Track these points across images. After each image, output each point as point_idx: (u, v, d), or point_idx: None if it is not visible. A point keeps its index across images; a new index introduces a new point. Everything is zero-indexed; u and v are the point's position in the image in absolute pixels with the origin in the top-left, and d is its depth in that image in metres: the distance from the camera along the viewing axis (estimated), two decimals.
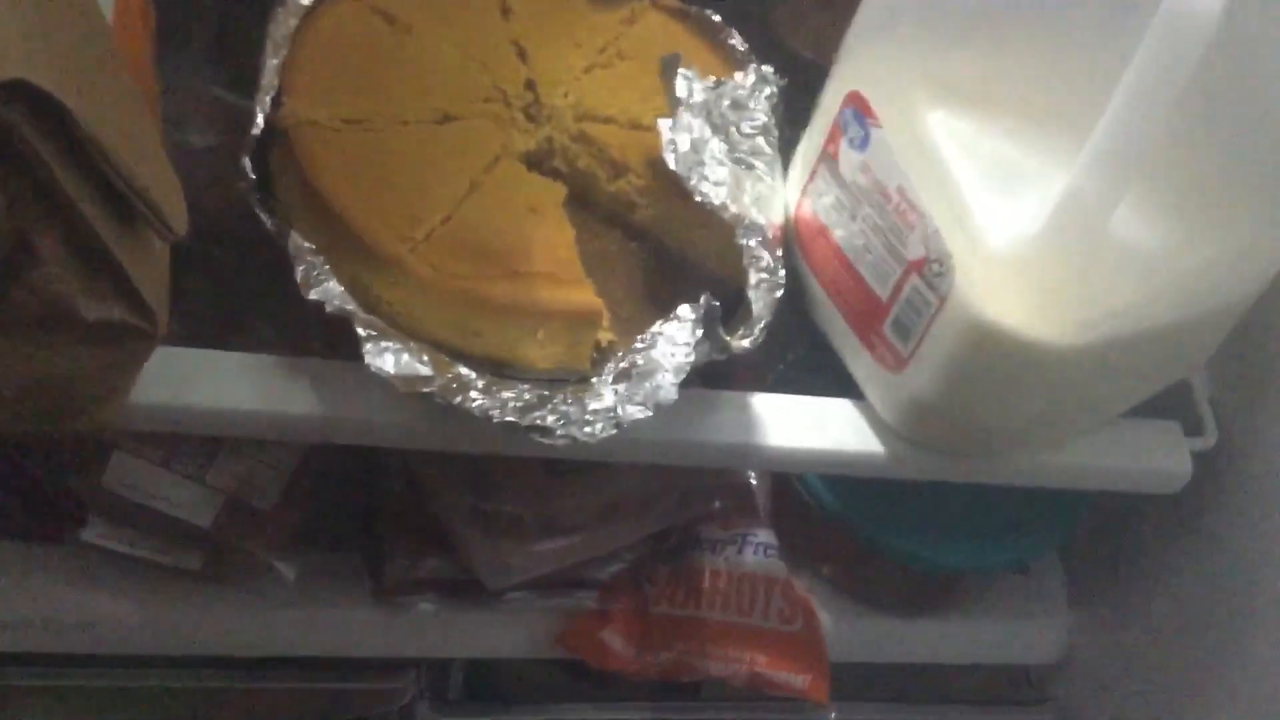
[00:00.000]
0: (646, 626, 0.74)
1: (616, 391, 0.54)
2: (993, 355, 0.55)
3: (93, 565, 0.69)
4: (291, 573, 0.68)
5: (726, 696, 0.80)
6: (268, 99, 0.59)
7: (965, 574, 0.79)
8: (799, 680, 0.75)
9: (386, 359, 0.53)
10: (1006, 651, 0.83)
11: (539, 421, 0.52)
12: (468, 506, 0.66)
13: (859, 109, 0.58)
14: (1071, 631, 0.83)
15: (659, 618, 0.74)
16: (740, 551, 0.76)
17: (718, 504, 0.75)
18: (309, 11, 0.62)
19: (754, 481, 0.78)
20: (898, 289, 0.58)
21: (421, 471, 0.67)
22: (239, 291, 0.65)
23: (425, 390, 0.52)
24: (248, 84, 0.61)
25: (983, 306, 0.54)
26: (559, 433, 0.52)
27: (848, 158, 0.60)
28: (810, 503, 0.74)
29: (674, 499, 0.72)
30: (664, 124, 0.60)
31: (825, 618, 0.77)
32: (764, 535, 0.77)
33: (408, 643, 0.74)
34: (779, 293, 0.58)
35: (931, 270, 0.56)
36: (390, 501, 0.70)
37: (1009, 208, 0.53)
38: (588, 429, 0.52)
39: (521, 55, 0.66)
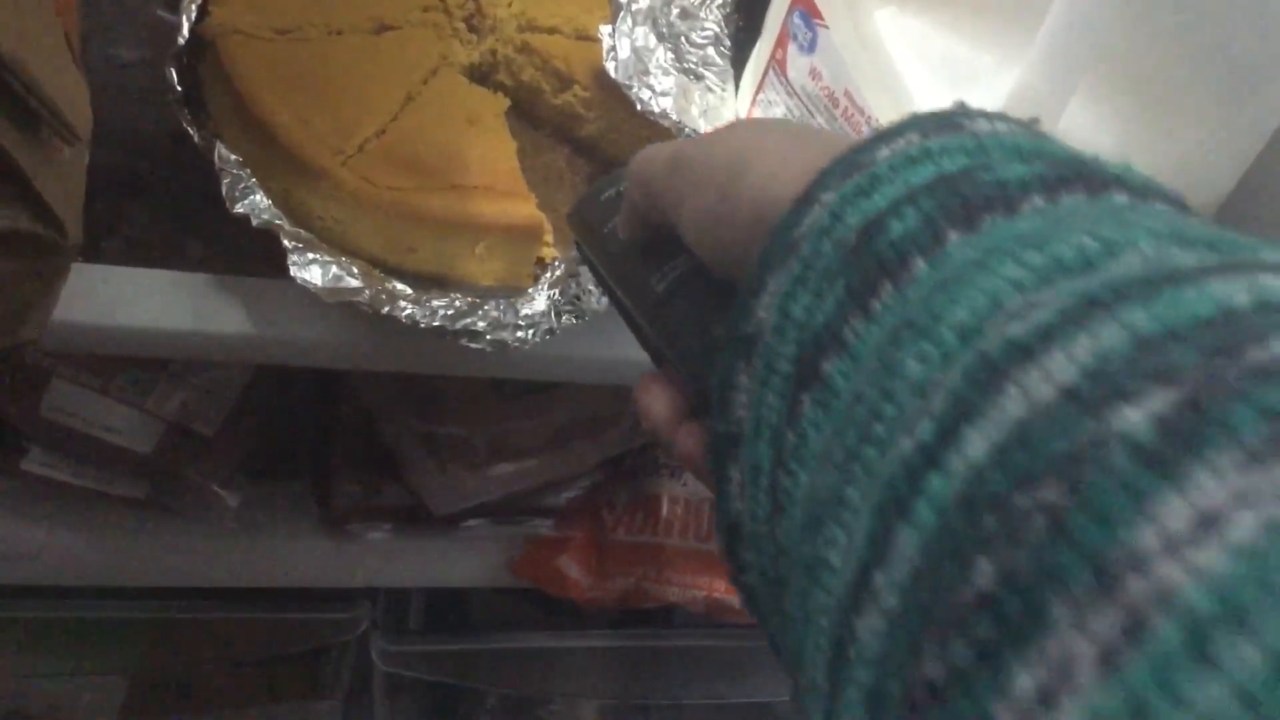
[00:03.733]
0: (604, 553, 0.72)
1: (550, 298, 0.52)
2: None
3: (35, 496, 0.68)
4: (235, 500, 0.67)
5: (697, 624, 0.79)
6: (194, 7, 0.57)
7: None
8: None
9: (313, 271, 0.51)
10: None
11: (469, 326, 0.50)
12: (416, 430, 0.64)
13: (806, 10, 0.56)
14: None
15: (616, 544, 0.73)
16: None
17: None
18: None
19: None
20: None
21: (369, 396, 0.66)
22: (174, 210, 0.63)
23: (354, 300, 0.50)
24: None
25: None
26: (489, 337, 0.50)
27: (796, 63, 0.58)
28: None
29: (629, 423, 0.70)
30: (605, 30, 0.57)
31: None
32: None
33: (358, 572, 0.72)
34: None
35: None
36: (339, 428, 0.69)
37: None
38: (519, 334, 0.51)
39: None
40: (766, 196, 0.30)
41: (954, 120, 0.28)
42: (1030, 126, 0.29)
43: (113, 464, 0.66)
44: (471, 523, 0.71)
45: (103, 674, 0.77)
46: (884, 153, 0.27)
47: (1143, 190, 0.25)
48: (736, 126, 0.34)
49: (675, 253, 0.37)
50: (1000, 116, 0.29)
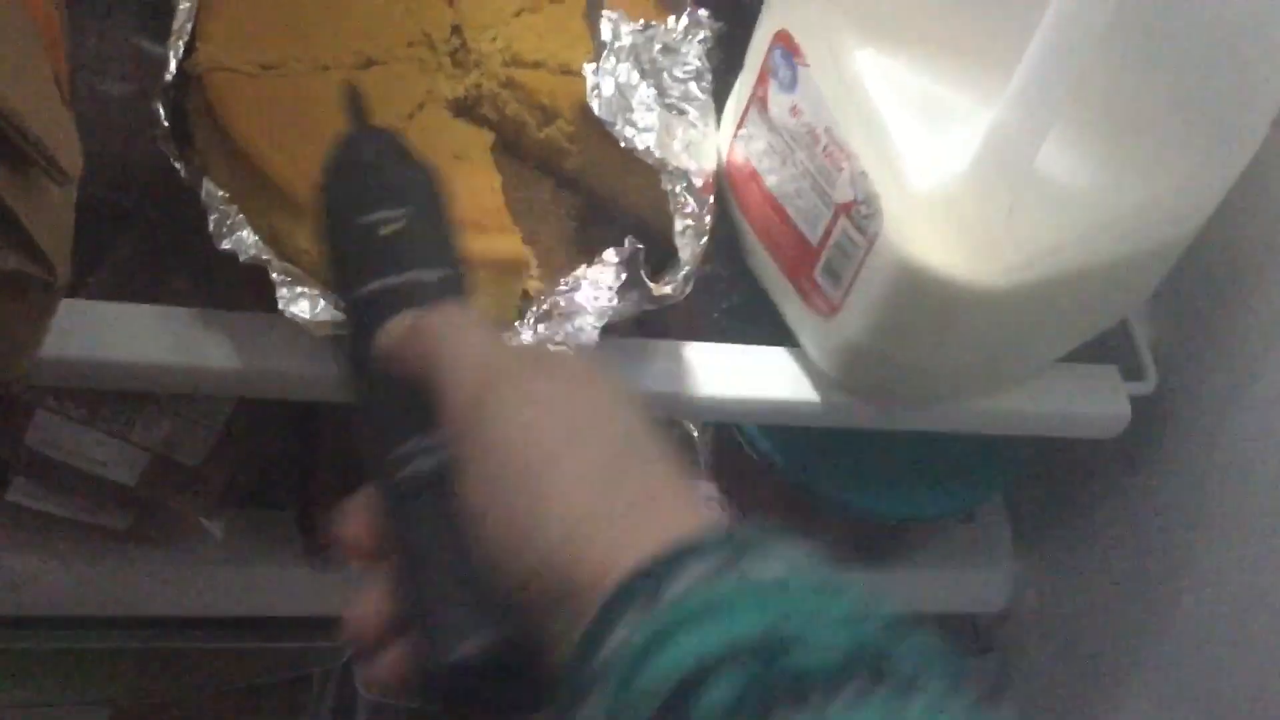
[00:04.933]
0: None
1: (536, 332, 0.53)
2: (922, 298, 0.54)
3: (18, 526, 0.68)
4: (219, 531, 0.67)
5: None
6: (181, 44, 0.57)
7: (908, 524, 0.78)
8: None
9: (302, 305, 0.51)
10: (951, 601, 0.83)
11: None
12: None
13: (787, 49, 0.57)
14: (1016, 580, 0.83)
15: None
16: None
17: None
18: None
19: (695, 434, 0.77)
20: (828, 233, 0.57)
21: (354, 428, 0.66)
22: (160, 245, 0.63)
23: (342, 334, 0.51)
24: (167, 30, 0.59)
25: (911, 248, 0.53)
26: None
27: (777, 100, 0.59)
28: (751, 454, 0.73)
29: None
30: (589, 68, 0.58)
31: None
32: (705, 487, 0.76)
33: (342, 602, 0.72)
34: (704, 239, 0.57)
35: (860, 213, 0.55)
36: (322, 458, 0.69)
37: (936, 147, 0.52)
38: None
39: None
40: (569, 559, 0.32)
41: (751, 551, 0.31)
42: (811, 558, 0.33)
43: (97, 495, 0.67)
44: None
45: (86, 704, 0.77)
46: (679, 586, 0.30)
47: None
48: (553, 409, 0.35)
49: (429, 425, 0.36)
50: (787, 546, 0.32)
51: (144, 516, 0.68)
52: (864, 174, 0.54)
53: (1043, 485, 0.81)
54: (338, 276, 0.44)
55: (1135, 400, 0.67)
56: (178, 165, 0.56)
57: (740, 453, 0.74)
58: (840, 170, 0.55)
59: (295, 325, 0.52)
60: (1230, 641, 0.68)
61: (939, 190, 0.52)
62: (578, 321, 0.54)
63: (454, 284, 0.43)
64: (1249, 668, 0.65)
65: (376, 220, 0.43)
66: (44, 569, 0.68)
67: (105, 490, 0.66)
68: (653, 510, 0.33)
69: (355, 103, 0.47)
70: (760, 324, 0.64)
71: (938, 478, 0.74)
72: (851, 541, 0.78)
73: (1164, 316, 0.70)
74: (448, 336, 0.38)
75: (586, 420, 0.35)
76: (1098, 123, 0.53)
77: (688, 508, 0.34)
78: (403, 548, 0.37)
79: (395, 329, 0.39)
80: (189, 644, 0.73)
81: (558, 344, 0.53)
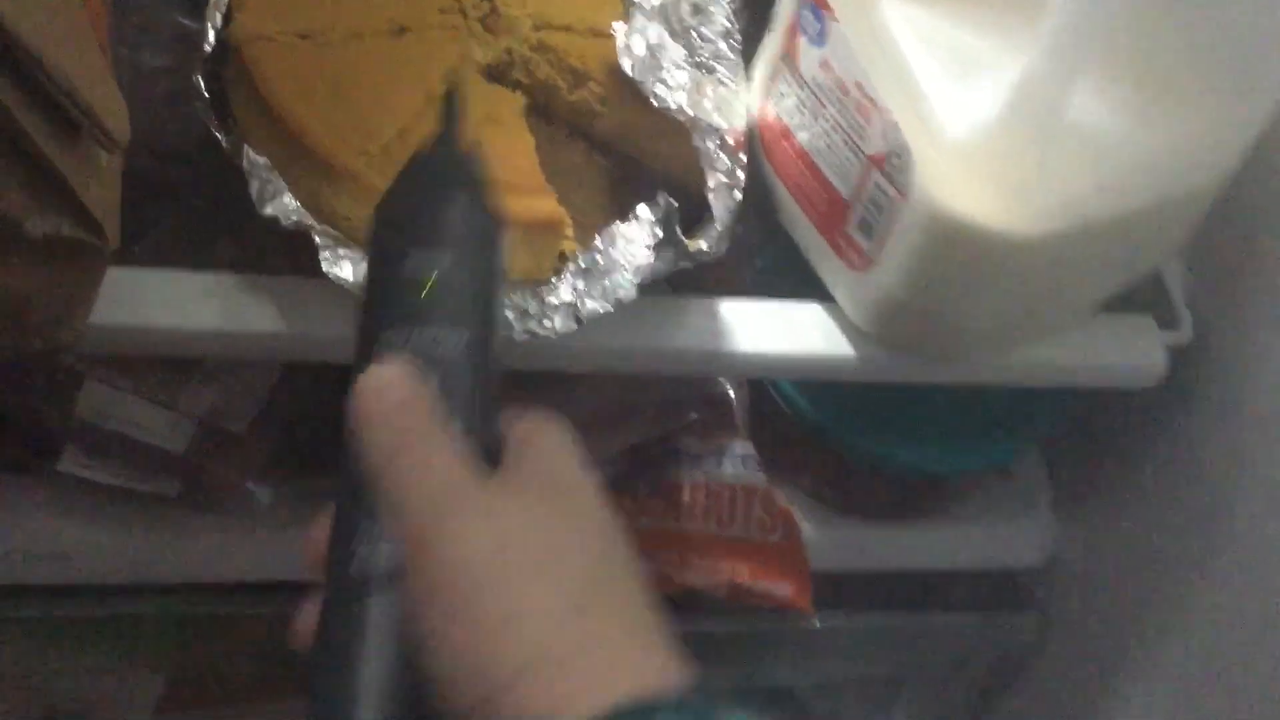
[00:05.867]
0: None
1: (575, 289, 0.54)
2: (955, 248, 0.55)
3: (70, 496, 0.69)
4: (267, 496, 0.68)
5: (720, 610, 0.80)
6: (219, 15, 0.58)
7: (946, 478, 0.79)
8: (781, 590, 0.75)
9: (344, 267, 0.52)
10: (990, 556, 0.83)
11: None
12: None
13: (816, 4, 0.58)
14: (1056, 534, 0.83)
15: (640, 531, 0.74)
16: (719, 464, 0.76)
17: (694, 416, 0.74)
18: None
19: (731, 393, 0.78)
20: (860, 186, 0.57)
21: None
22: (203, 214, 0.64)
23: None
24: (203, 3, 0.61)
25: (943, 199, 0.53)
26: (518, 327, 0.52)
27: (807, 55, 0.59)
28: (788, 412, 0.74)
29: (650, 412, 0.72)
30: (619, 29, 0.59)
31: (806, 527, 0.77)
32: (742, 447, 0.77)
33: None
34: (737, 194, 0.58)
35: (892, 165, 0.55)
36: None
37: (967, 97, 0.52)
38: (546, 323, 0.52)
39: None
40: (520, 698, 0.31)
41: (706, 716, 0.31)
42: None
43: (146, 463, 0.68)
44: None
45: (137, 670, 0.79)
46: None
47: None
48: (522, 532, 0.34)
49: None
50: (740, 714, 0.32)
51: (192, 483, 0.69)
52: (895, 126, 0.54)
53: (1081, 439, 0.81)
54: (363, 308, 0.41)
55: (1171, 351, 0.67)
56: (219, 135, 0.57)
57: (777, 413, 0.75)
58: (871, 123, 0.56)
59: (338, 288, 0.53)
60: (1274, 589, 0.68)
61: (970, 140, 0.52)
62: (615, 278, 0.54)
63: (477, 350, 0.39)
64: None
65: (414, 261, 0.39)
66: (95, 537, 0.70)
67: (154, 458, 0.67)
68: (612, 659, 0.33)
69: (451, 110, 0.42)
70: (794, 281, 0.64)
71: (974, 431, 0.75)
72: (889, 498, 0.79)
73: (1199, 267, 0.70)
74: (411, 433, 0.36)
75: (555, 549, 0.34)
76: (1126, 69, 0.53)
77: (648, 660, 0.33)
78: (336, 650, 0.34)
79: (368, 395, 0.37)
80: (239, 609, 0.74)
81: (595, 298, 0.53)
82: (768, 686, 0.86)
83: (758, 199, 0.65)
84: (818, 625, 0.79)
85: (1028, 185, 0.53)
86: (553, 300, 0.53)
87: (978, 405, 0.74)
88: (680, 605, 0.78)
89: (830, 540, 0.78)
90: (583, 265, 0.55)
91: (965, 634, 0.84)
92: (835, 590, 0.79)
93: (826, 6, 0.57)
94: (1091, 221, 0.55)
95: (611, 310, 0.53)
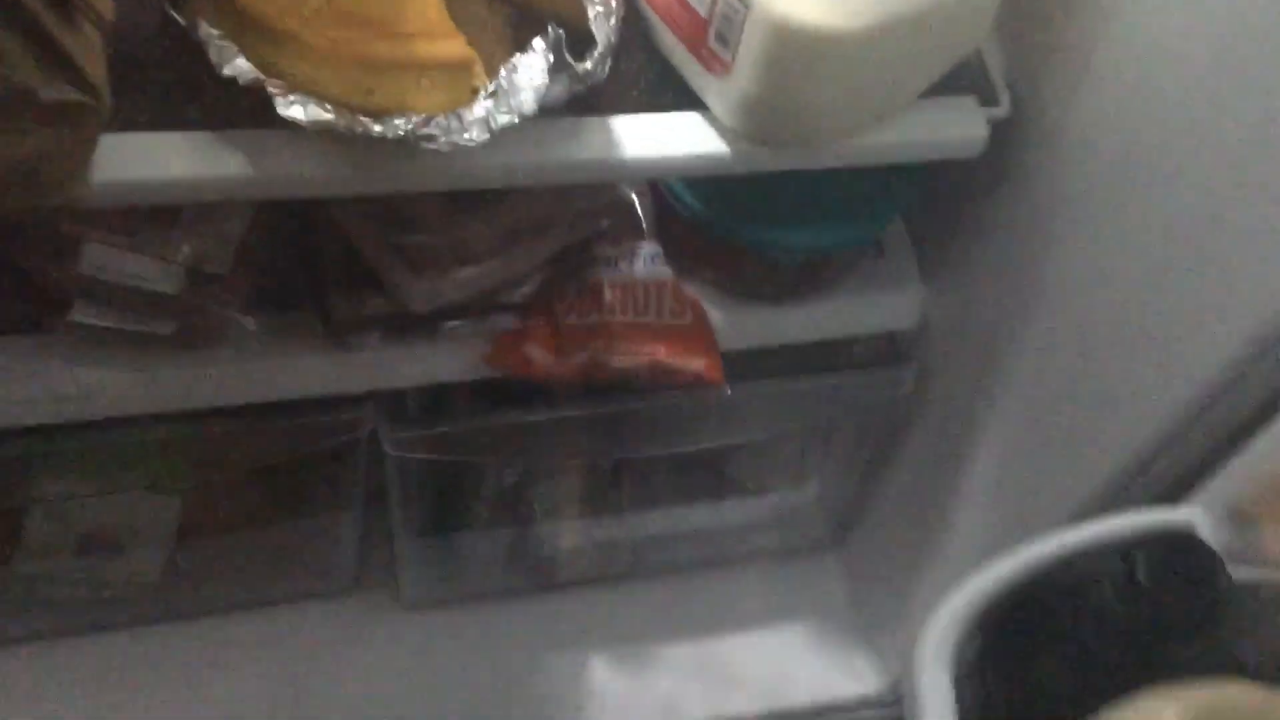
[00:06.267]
0: (560, 337, 0.87)
1: (486, 108, 0.66)
2: (791, 48, 0.67)
3: (83, 344, 0.81)
4: (252, 324, 0.81)
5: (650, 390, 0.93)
6: None
7: (827, 257, 0.92)
8: (695, 364, 0.89)
9: (296, 109, 0.64)
10: (870, 323, 0.97)
11: (426, 132, 0.64)
12: (390, 244, 0.78)
13: None
14: (924, 299, 0.97)
15: (569, 327, 0.87)
16: (632, 264, 0.89)
17: (606, 223, 0.87)
18: None
19: (636, 201, 0.91)
20: (714, 5, 0.70)
21: (349, 222, 0.80)
22: (169, 84, 0.75)
23: (333, 127, 0.64)
24: None
25: (777, 7, 0.66)
26: (442, 139, 0.64)
27: None
28: (684, 213, 0.87)
29: (567, 221, 0.84)
30: None
31: (712, 312, 0.91)
32: (649, 247, 0.90)
33: (362, 378, 0.87)
34: (614, 21, 0.70)
35: None
36: (329, 254, 0.83)
37: None
38: (466, 135, 0.64)
39: None
40: None
41: None
42: None
43: (144, 307, 0.80)
44: (449, 324, 0.86)
45: (157, 496, 0.92)
46: None
47: None
48: None
49: None
50: None
51: (186, 321, 0.81)
52: None
53: (936, 216, 0.95)
54: None
55: (992, 124, 0.80)
56: (175, 16, 0.68)
57: (675, 215, 0.88)
58: None
59: (293, 130, 0.65)
60: (1082, 324, 0.82)
61: None
62: (519, 97, 0.66)
63: None
64: (1107, 322, 0.79)
65: None
66: (107, 376, 0.82)
67: (151, 302, 0.79)
68: None
69: None
70: (672, 97, 0.77)
71: (844, 213, 0.88)
72: (780, 281, 0.92)
73: (1015, 50, 0.83)
74: None
75: None
76: None
77: None
78: None
79: None
80: (236, 428, 0.87)
81: (504, 112, 0.65)
82: (695, 455, 1.00)
83: (636, 34, 0.77)
84: (729, 394, 0.93)
85: None
86: (469, 117, 0.65)
87: (844, 190, 0.87)
88: (613, 388, 0.92)
89: (733, 322, 0.92)
90: (492, 90, 0.67)
91: (857, 389, 0.98)
92: (744, 364, 0.93)
93: None
94: (900, 15, 0.68)
95: (516, 121, 0.66)
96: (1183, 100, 0.70)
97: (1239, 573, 0.49)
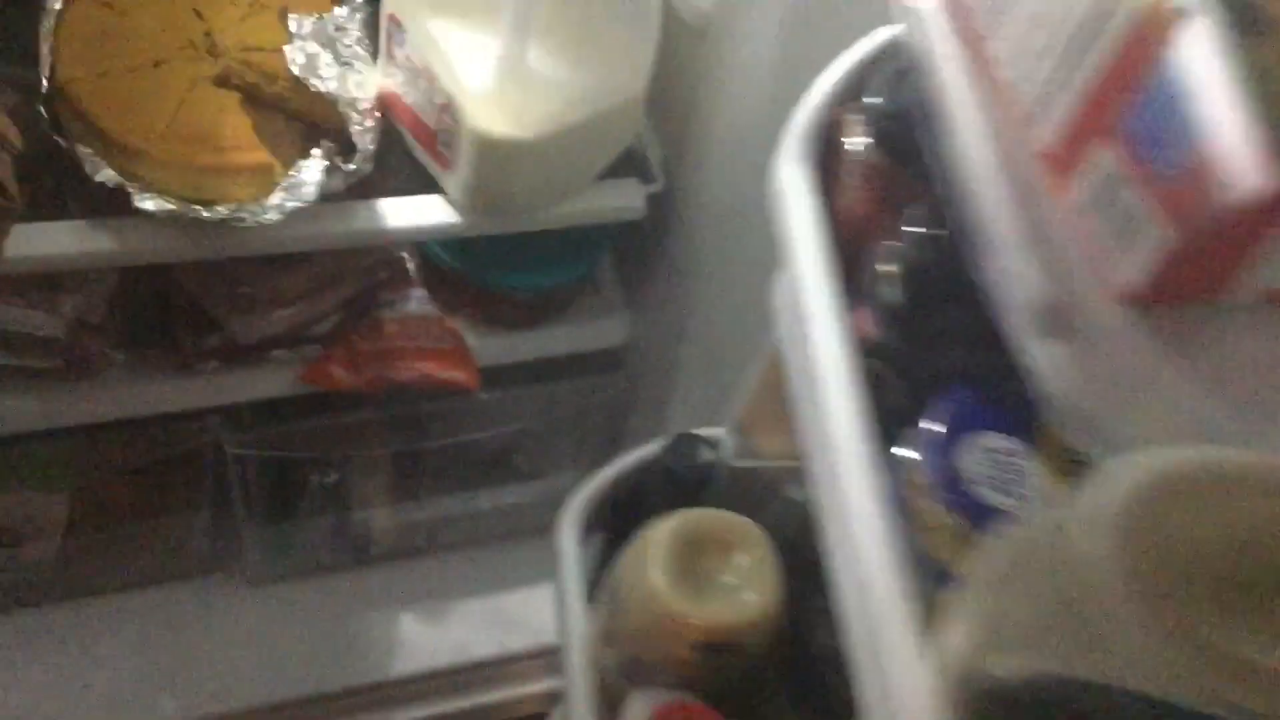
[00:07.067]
0: (355, 359, 1.18)
1: (282, 196, 0.97)
2: (491, 151, 1.00)
3: None
4: (121, 358, 1.10)
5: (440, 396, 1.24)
6: (46, 67, 0.99)
7: (551, 293, 1.24)
8: (458, 376, 1.20)
9: (148, 203, 0.94)
10: (589, 341, 1.29)
11: (240, 214, 0.95)
12: (223, 294, 1.09)
13: (394, 22, 1.02)
14: (629, 321, 1.30)
15: (362, 352, 1.18)
16: (406, 304, 1.21)
17: (384, 275, 1.19)
18: (59, 14, 1.02)
19: (406, 257, 1.23)
20: (439, 121, 1.02)
21: (191, 280, 1.10)
22: (53, 189, 1.05)
23: (174, 215, 0.94)
24: (21, 60, 1.01)
25: (476, 123, 0.99)
26: (249, 219, 0.95)
27: (400, 52, 1.04)
28: (441, 265, 1.19)
29: (354, 275, 1.16)
30: (288, 49, 1.02)
31: (469, 338, 1.23)
32: (418, 292, 1.21)
33: (207, 396, 1.17)
34: (372, 135, 1.02)
35: (450, 108, 1.00)
36: (177, 303, 1.12)
37: (479, 66, 0.98)
38: (267, 215, 0.96)
39: (199, 15, 1.06)
40: None
41: None
42: None
43: (37, 348, 1.08)
44: (272, 353, 1.16)
45: (51, 492, 1.19)
46: None
47: None
48: None
49: None
50: None
51: (70, 358, 1.10)
52: (445, 88, 0.99)
53: (633, 259, 1.29)
54: None
55: (652, 196, 1.14)
56: (59, 140, 0.98)
57: (435, 267, 1.20)
58: (436, 86, 1.00)
59: (148, 216, 0.95)
60: (717, 321, 1.16)
61: (484, 90, 0.97)
62: (305, 189, 0.98)
63: None
64: (728, 325, 1.13)
65: None
66: (8, 401, 1.11)
67: (42, 344, 1.08)
68: None
69: None
70: (419, 185, 1.09)
71: (557, 261, 1.21)
72: (516, 311, 1.24)
73: (668, 145, 1.17)
74: None
75: None
76: (559, 37, 0.99)
77: None
78: None
79: None
80: (110, 439, 1.16)
81: (293, 200, 0.97)
82: (485, 449, 1.32)
83: (394, 142, 1.09)
84: (484, 398, 1.25)
85: (520, 110, 0.99)
86: (270, 203, 0.97)
87: (557, 245, 1.19)
88: (396, 395, 1.24)
89: (484, 345, 1.23)
90: (285, 185, 0.98)
91: (581, 392, 1.31)
92: (495, 377, 1.25)
93: (400, 25, 1.01)
94: (563, 126, 1.01)
95: (303, 205, 0.97)
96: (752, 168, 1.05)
97: (745, 463, 0.83)
